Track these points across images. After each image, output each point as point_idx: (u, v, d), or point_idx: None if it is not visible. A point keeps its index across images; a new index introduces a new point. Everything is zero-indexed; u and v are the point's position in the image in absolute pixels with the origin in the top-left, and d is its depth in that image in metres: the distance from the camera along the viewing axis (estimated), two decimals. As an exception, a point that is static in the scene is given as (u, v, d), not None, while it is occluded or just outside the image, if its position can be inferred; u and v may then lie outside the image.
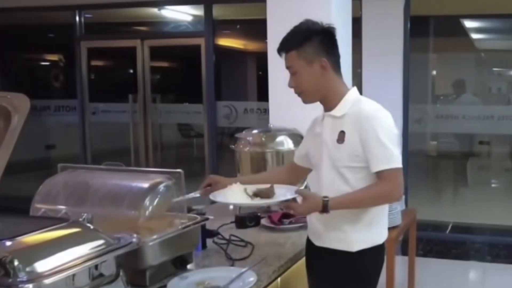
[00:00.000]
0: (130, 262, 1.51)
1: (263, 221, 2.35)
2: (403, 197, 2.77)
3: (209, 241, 2.04)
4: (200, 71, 5.34)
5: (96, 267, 1.30)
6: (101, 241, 1.33)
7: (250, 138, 2.62)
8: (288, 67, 1.78)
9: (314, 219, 1.83)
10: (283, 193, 1.75)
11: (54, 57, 7.70)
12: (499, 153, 6.06)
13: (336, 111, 1.77)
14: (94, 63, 6.43)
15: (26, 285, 1.12)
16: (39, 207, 1.69)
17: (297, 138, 2.52)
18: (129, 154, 5.63)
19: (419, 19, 5.02)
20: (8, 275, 1.13)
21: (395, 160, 1.69)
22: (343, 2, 2.97)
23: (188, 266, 1.78)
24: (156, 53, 5.73)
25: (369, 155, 1.69)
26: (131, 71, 6.05)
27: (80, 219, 1.43)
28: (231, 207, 2.35)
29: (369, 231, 1.77)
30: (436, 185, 6.42)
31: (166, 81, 7.94)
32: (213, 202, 1.85)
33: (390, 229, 1.97)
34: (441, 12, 5.33)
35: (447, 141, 5.87)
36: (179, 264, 1.74)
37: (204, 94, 5.38)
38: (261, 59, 3.21)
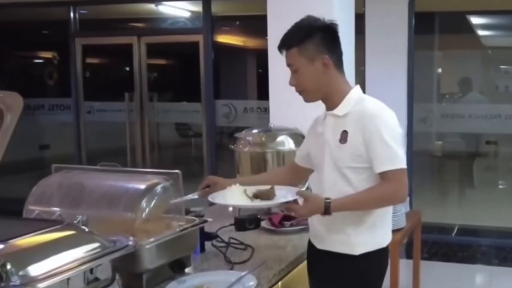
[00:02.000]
0: (126, 265, 1.50)
1: (263, 223, 2.33)
2: (408, 198, 2.75)
3: (207, 244, 2.02)
4: (199, 69, 5.32)
5: (91, 271, 1.28)
6: (96, 244, 1.31)
7: (250, 138, 2.60)
8: (289, 65, 1.76)
9: (315, 221, 1.81)
10: (283, 194, 1.73)
11: (48, 55, 7.69)
12: (507, 153, 6.03)
13: (339, 110, 1.74)
14: (89, 60, 6.41)
15: (19, 290, 1.11)
16: (33, 208, 1.68)
17: (298, 138, 2.50)
18: (125, 154, 5.60)
19: (424, 16, 5.00)
20: (0, 279, 1.12)
21: (399, 161, 1.67)
22: (346, -2, 2.95)
23: (186, 270, 1.76)
24: (153, 50, 5.70)
25: (372, 155, 1.67)
26: (128, 69, 6.02)
27: (75, 221, 1.42)
28: (231, 209, 2.34)
29: (372, 233, 1.75)
30: (442, 186, 6.40)
31: (164, 79, 7.92)
32: (212, 204, 1.83)
33: (394, 231, 1.94)
34: (447, 8, 5.32)
35: (453, 141, 5.85)
36: (177, 267, 1.72)
37: (203, 93, 5.35)
38: (261, 56, 3.21)
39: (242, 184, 1.80)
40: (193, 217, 1.79)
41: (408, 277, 3.35)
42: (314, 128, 1.87)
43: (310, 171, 1.94)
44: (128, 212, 1.60)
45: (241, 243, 2.06)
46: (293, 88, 1.77)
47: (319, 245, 1.81)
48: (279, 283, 1.84)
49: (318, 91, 1.75)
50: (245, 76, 7.82)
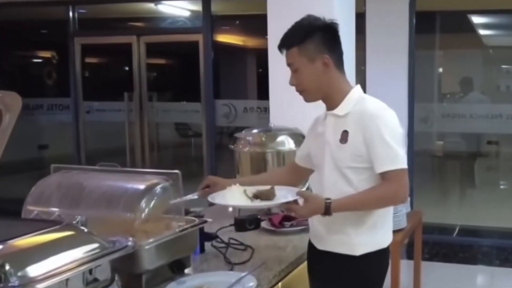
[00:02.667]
0: (126, 266, 1.50)
1: (263, 224, 2.32)
2: (408, 199, 2.74)
3: (207, 245, 2.01)
4: (198, 69, 5.31)
5: (90, 271, 1.28)
6: (95, 245, 1.31)
7: (250, 138, 2.59)
8: (289, 65, 1.75)
9: (316, 222, 1.80)
10: (284, 194, 1.72)
11: (46, 54, 7.67)
12: (508, 153, 6.01)
13: (339, 110, 1.74)
14: (88, 60, 6.40)
15: (18, 290, 1.10)
16: (32, 209, 1.67)
17: (298, 137, 2.49)
18: (124, 154, 5.58)
19: (424, 15, 4.99)
20: (-1, 279, 1.11)
21: (400, 161, 1.66)
22: (346, -3, 2.94)
23: (186, 271, 1.75)
24: (152, 49, 5.68)
25: (373, 155, 1.66)
26: (127, 68, 6.02)
27: (74, 222, 1.41)
28: (230, 209, 2.33)
29: (373, 234, 1.75)
30: (443, 187, 6.40)
31: (163, 79, 7.91)
32: (211, 204, 1.82)
33: (395, 232, 1.94)
34: (448, 8, 5.32)
35: (454, 141, 5.84)
36: (176, 268, 1.71)
37: (202, 92, 5.34)
38: (261, 56, 3.21)
39: (242, 184, 1.79)
40: (193, 218, 1.78)
41: (409, 278, 3.34)
42: (315, 128, 1.86)
43: (311, 171, 1.93)
44: (127, 213, 1.59)
45: (241, 244, 2.05)
46: (293, 88, 1.76)
47: (320, 246, 1.80)
48: (279, 283, 1.83)
49: (318, 91, 1.74)
50: (245, 76, 7.80)
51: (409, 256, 3.76)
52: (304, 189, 2.23)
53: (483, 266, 4.44)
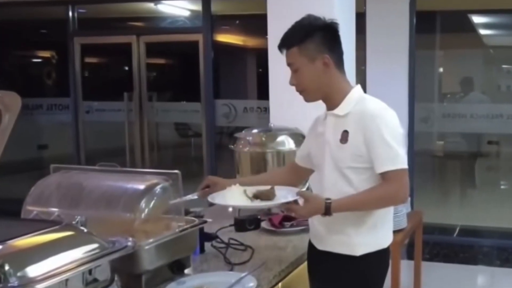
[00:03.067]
0: (125, 266, 1.50)
1: (263, 224, 2.31)
2: (409, 199, 2.74)
3: (207, 245, 2.01)
4: (198, 68, 5.30)
5: (90, 271, 1.28)
6: (95, 245, 1.31)
7: (250, 138, 2.59)
8: (289, 64, 1.75)
9: (316, 222, 1.80)
10: (284, 194, 1.72)
11: (46, 54, 7.67)
12: (508, 153, 6.00)
13: (339, 110, 1.73)
14: (88, 60, 6.39)
15: (17, 291, 1.10)
16: (31, 209, 1.67)
17: (298, 137, 2.49)
18: (124, 154, 5.58)
19: (425, 15, 4.99)
20: (-2, 280, 1.11)
21: (401, 161, 1.66)
22: (347, -3, 2.94)
23: (186, 271, 1.75)
24: (152, 49, 5.68)
25: (373, 155, 1.66)
26: (127, 68, 6.01)
27: (74, 222, 1.41)
28: (230, 209, 2.33)
29: (373, 234, 1.74)
30: (443, 187, 6.39)
31: (163, 79, 7.89)
32: (211, 204, 1.82)
33: (395, 232, 1.94)
34: (448, 7, 5.32)
35: (455, 141, 5.84)
36: (176, 268, 1.71)
37: (202, 92, 5.34)
38: (262, 56, 3.20)
39: (242, 184, 1.79)
40: (193, 218, 1.78)
41: (409, 278, 3.34)
42: (315, 128, 1.85)
43: (311, 171, 1.93)
44: (127, 213, 1.59)
45: (241, 244, 2.05)
46: (293, 88, 1.76)
47: (320, 246, 1.80)
48: (279, 284, 1.83)
49: (318, 91, 1.74)
50: (245, 75, 7.79)
51: (410, 256, 3.76)
52: (304, 189, 2.22)
53: (484, 267, 4.44)
